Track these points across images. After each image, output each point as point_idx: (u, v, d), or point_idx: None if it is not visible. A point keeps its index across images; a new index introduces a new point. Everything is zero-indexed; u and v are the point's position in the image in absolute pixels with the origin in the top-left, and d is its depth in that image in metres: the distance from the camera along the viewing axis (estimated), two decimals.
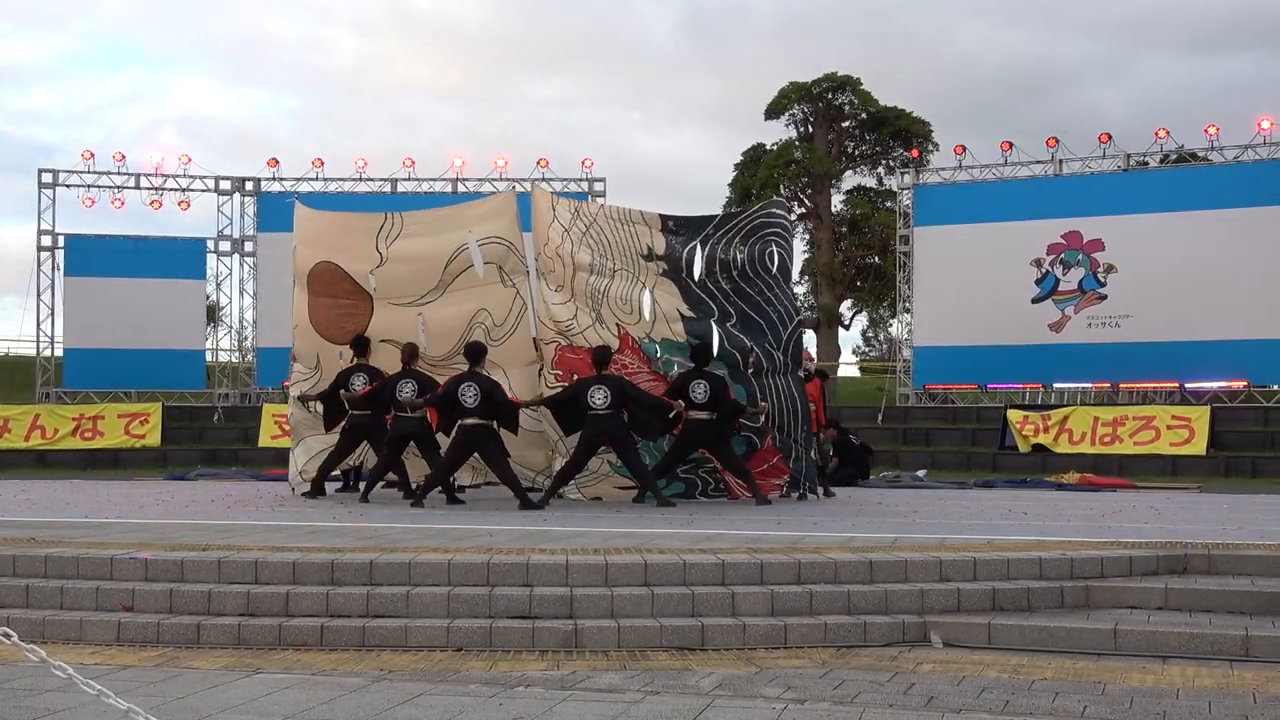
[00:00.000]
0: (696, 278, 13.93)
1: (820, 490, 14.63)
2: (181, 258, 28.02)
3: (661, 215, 14.25)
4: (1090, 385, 25.46)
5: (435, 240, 14.30)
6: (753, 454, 13.82)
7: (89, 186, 27.62)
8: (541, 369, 13.89)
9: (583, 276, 13.78)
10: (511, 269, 14.07)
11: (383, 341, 14.18)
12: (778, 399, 13.84)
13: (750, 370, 13.63)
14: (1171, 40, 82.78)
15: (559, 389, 13.32)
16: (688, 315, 13.77)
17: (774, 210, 14.85)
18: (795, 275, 14.34)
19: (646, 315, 13.73)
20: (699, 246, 13.99)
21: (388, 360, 13.87)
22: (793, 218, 15.12)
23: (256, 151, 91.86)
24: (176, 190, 28.18)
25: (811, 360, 16.52)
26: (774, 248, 14.03)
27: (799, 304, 14.31)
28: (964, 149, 26.40)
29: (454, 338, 13.93)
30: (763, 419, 13.71)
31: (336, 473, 14.77)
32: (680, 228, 14.20)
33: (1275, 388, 23.99)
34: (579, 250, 13.83)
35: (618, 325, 13.71)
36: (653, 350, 13.69)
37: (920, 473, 20.46)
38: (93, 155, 27.63)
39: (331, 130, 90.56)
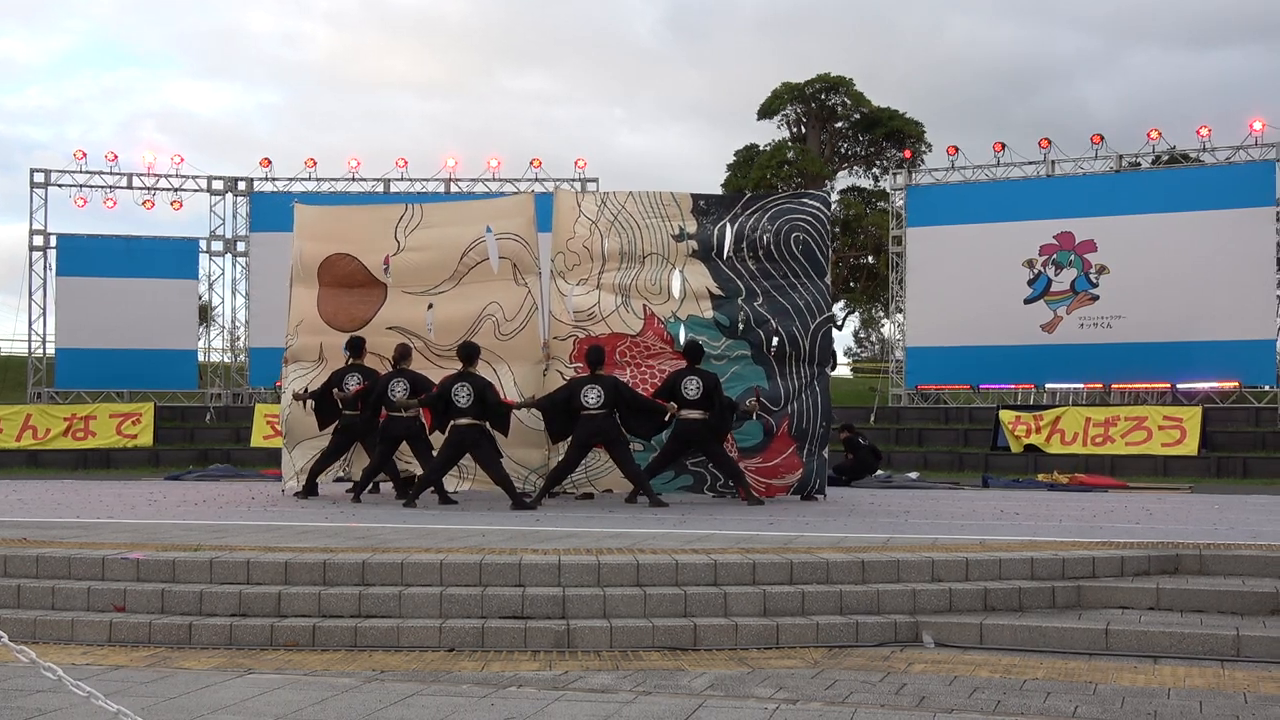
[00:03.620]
0: (725, 255, 14.04)
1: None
2: (174, 258, 27.96)
3: (693, 195, 14.44)
4: (1082, 386, 25.49)
5: (453, 230, 14.50)
6: (769, 441, 13.83)
7: (81, 186, 27.59)
8: (546, 369, 13.97)
9: (612, 265, 14.08)
10: (525, 268, 14.20)
11: (390, 329, 14.28)
12: (797, 388, 13.85)
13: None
14: (1162, 35, 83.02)
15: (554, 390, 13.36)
16: (716, 294, 13.98)
17: (808, 199, 14.67)
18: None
19: (676, 294, 13.99)
20: (729, 225, 14.09)
21: (390, 346, 13.90)
22: (829, 210, 15.00)
23: (236, 146, 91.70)
24: (169, 190, 28.16)
25: None
26: (801, 234, 14.01)
27: (829, 299, 14.28)
28: (957, 149, 26.47)
29: (464, 328, 14.04)
30: (782, 404, 13.71)
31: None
32: (711, 207, 14.35)
33: (1266, 388, 24.02)
34: (608, 239, 14.11)
35: (644, 306, 13.95)
36: (677, 330, 13.87)
37: (913, 474, 20.50)
38: (85, 155, 27.60)
39: (311, 126, 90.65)
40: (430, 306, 14.32)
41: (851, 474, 18.84)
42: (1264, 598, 7.64)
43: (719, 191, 42.12)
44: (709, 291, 13.97)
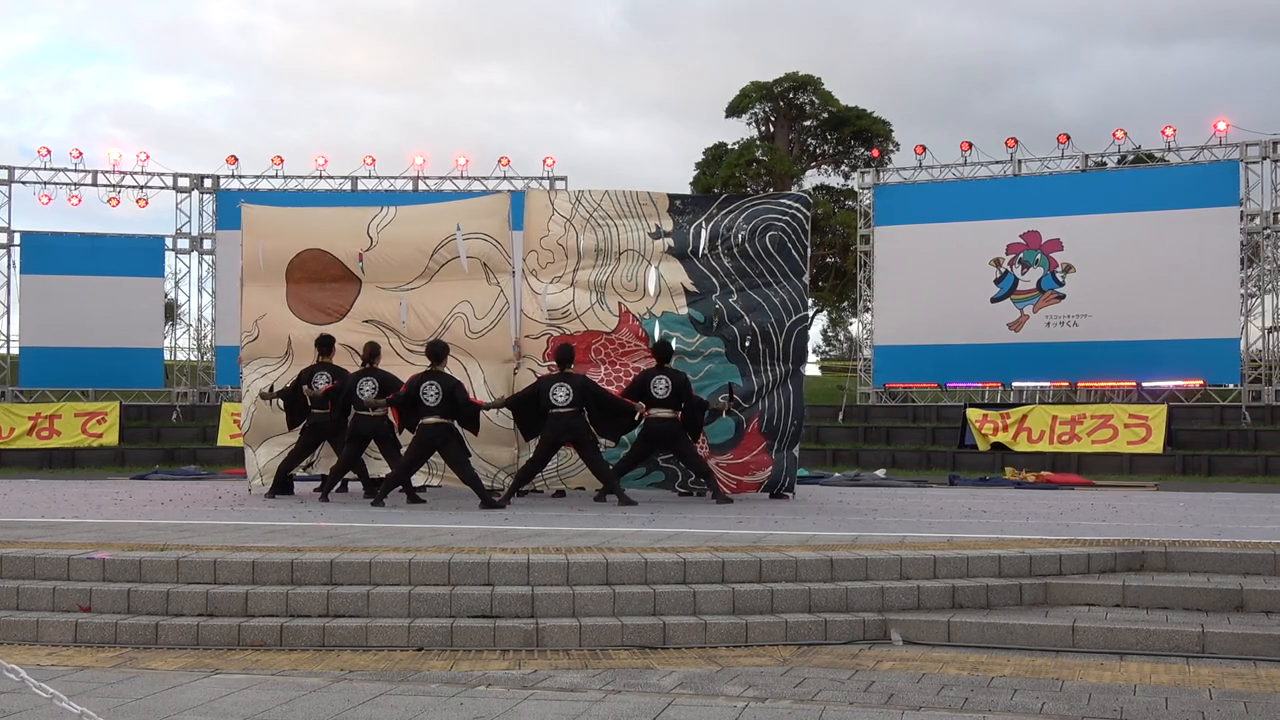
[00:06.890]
0: (700, 253, 14.07)
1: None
2: (139, 255, 27.73)
3: (669, 195, 14.48)
4: (1049, 384, 25.62)
5: (425, 228, 14.53)
6: (739, 438, 13.85)
7: (45, 184, 27.35)
8: (518, 368, 13.95)
9: (587, 263, 14.09)
10: (496, 267, 14.17)
11: (365, 323, 14.33)
12: (770, 385, 13.88)
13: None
14: (1125, 30, 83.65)
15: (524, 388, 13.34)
16: (691, 290, 14.02)
17: (786, 200, 14.71)
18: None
19: (651, 290, 14.03)
20: (704, 224, 14.12)
21: (366, 341, 13.88)
22: (809, 211, 14.97)
23: (191, 139, 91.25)
24: (134, 188, 27.94)
25: None
26: (778, 233, 13.99)
27: (806, 298, 14.28)
28: (924, 149, 26.54)
29: (435, 324, 14.05)
30: (754, 400, 13.73)
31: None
32: (688, 207, 14.39)
33: (1231, 387, 24.22)
34: (583, 237, 14.12)
35: (619, 303, 13.98)
36: (652, 326, 13.92)
37: (880, 471, 20.56)
38: (49, 152, 27.36)
39: (266, 120, 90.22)
40: (403, 301, 14.32)
41: None
42: (1228, 594, 7.71)
43: (689, 190, 42.31)
44: (684, 288, 14.01)
